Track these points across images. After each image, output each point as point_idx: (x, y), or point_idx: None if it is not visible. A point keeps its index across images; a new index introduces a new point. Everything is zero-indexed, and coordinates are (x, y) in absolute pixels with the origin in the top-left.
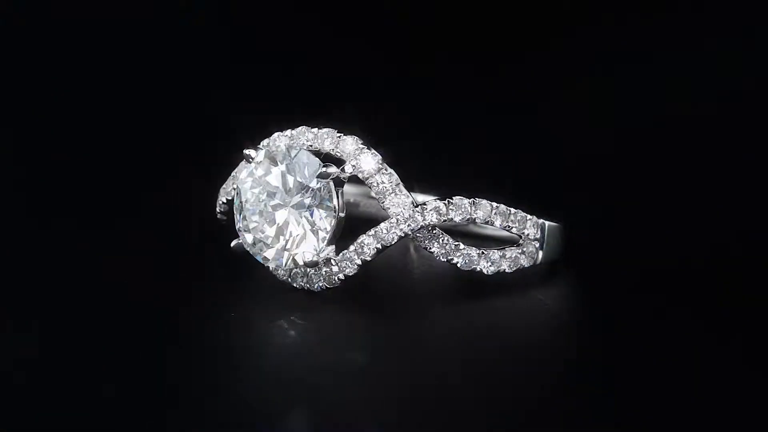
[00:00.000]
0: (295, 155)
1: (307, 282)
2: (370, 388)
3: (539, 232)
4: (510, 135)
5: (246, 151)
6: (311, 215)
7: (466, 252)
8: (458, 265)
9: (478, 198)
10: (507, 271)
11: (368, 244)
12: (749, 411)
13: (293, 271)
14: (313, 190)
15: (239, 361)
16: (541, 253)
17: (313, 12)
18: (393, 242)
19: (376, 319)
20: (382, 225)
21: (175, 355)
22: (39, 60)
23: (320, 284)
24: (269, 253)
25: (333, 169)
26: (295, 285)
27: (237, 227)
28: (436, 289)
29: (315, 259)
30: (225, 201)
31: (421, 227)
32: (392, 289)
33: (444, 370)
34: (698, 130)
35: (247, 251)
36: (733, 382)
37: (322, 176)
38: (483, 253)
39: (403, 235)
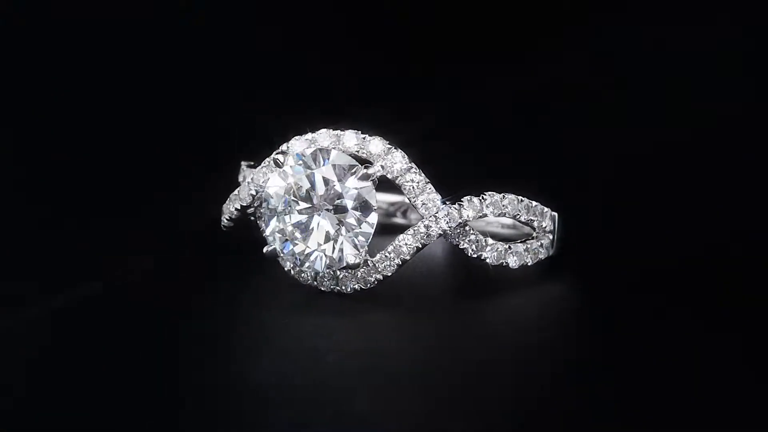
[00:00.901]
0: (330, 157)
1: (336, 284)
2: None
3: (552, 223)
4: (510, 134)
5: (276, 156)
6: (349, 217)
7: (495, 247)
8: (488, 260)
9: (505, 193)
10: (529, 264)
11: (408, 243)
12: (749, 411)
13: (320, 274)
14: (350, 191)
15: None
16: (553, 245)
17: (322, 11)
18: (432, 240)
19: (375, 317)
20: (421, 224)
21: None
22: (38, 61)
23: (354, 286)
24: (295, 256)
25: (372, 170)
26: (322, 288)
27: (267, 233)
28: (436, 288)
29: (358, 260)
30: (238, 208)
31: (458, 223)
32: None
33: (444, 369)
34: (698, 131)
35: (279, 256)
36: (734, 382)
37: (363, 177)
38: (509, 247)
39: (441, 232)
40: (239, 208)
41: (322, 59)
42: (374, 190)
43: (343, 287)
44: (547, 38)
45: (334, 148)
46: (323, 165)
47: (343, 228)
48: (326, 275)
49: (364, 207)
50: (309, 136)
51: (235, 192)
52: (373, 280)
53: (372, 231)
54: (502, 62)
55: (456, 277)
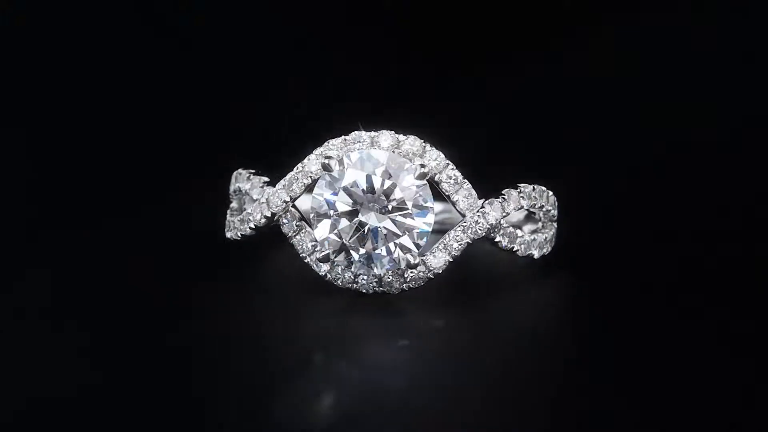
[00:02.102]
0: (386, 158)
1: (379, 286)
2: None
3: (556, 210)
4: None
5: (325, 161)
6: (407, 217)
7: (523, 239)
8: (518, 252)
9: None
10: (546, 253)
11: (459, 239)
12: (749, 410)
13: (360, 276)
14: (407, 190)
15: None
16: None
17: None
18: (482, 234)
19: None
20: (469, 219)
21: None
22: (38, 62)
23: (403, 286)
24: (351, 259)
25: (428, 168)
26: (364, 291)
27: (318, 238)
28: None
29: (418, 261)
30: (268, 216)
31: (503, 216)
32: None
33: (446, 369)
34: (698, 131)
35: (331, 261)
36: (733, 382)
37: (420, 176)
38: (534, 239)
39: (490, 226)
40: (269, 216)
41: (347, 59)
42: (429, 189)
43: (389, 288)
44: (554, 38)
45: (373, 147)
46: (377, 166)
47: (401, 228)
48: (369, 277)
49: (421, 206)
50: (342, 138)
51: (261, 200)
52: (424, 279)
53: (429, 230)
54: (500, 62)
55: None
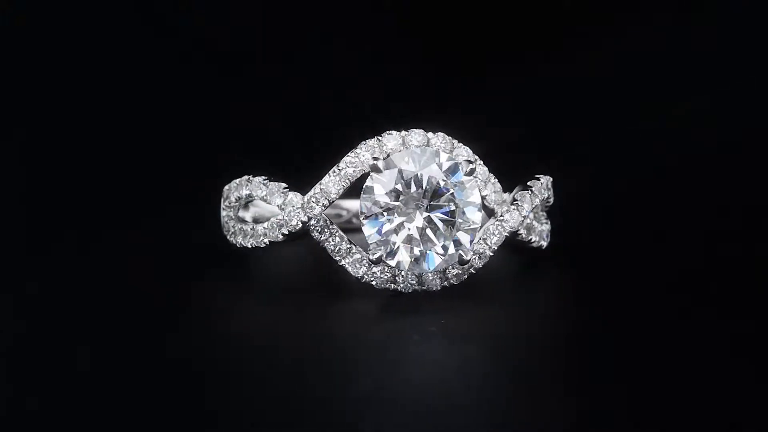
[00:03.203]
0: (438, 157)
1: (419, 284)
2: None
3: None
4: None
5: (373, 162)
6: (459, 215)
7: (539, 230)
8: (533, 244)
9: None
10: (545, 245)
11: (498, 233)
12: (749, 410)
13: (397, 275)
14: (457, 187)
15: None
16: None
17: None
18: (516, 228)
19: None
20: (505, 213)
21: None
22: (38, 64)
23: (444, 283)
24: (403, 259)
25: (475, 164)
26: (403, 291)
27: (369, 240)
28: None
29: (470, 257)
30: (305, 221)
31: (534, 208)
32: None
33: (446, 369)
34: (698, 131)
35: (385, 262)
36: (733, 382)
37: (468, 173)
38: (543, 229)
39: (523, 218)
40: (305, 220)
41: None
42: (475, 184)
43: (430, 286)
44: (555, 39)
45: (404, 147)
46: (426, 165)
47: (454, 225)
48: (409, 276)
49: (470, 203)
50: (382, 138)
51: (294, 205)
52: (466, 274)
53: (478, 226)
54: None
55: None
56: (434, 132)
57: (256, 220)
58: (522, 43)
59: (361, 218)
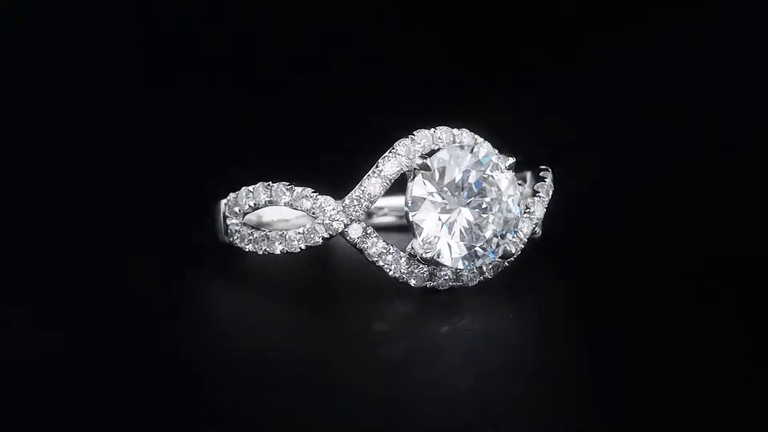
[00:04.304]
0: (481, 152)
1: (455, 281)
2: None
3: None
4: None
5: (420, 162)
6: (503, 209)
7: (540, 222)
8: (535, 236)
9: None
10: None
11: (527, 225)
12: (749, 410)
13: (435, 273)
14: (502, 182)
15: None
16: None
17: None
18: (540, 219)
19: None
20: (531, 206)
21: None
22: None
23: (480, 278)
24: (455, 255)
25: (511, 161)
26: (440, 288)
27: (424, 240)
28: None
29: (517, 249)
30: (347, 223)
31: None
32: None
33: (449, 370)
34: (699, 132)
35: (436, 260)
36: (733, 382)
37: (509, 168)
38: (539, 217)
39: (545, 209)
40: (348, 223)
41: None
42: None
43: (467, 281)
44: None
45: (434, 144)
46: (468, 161)
47: (502, 221)
48: (447, 272)
49: (510, 196)
50: (415, 135)
51: (336, 209)
52: (500, 268)
53: (518, 219)
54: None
55: None
56: (458, 128)
57: (258, 226)
58: (522, 43)
59: (410, 216)
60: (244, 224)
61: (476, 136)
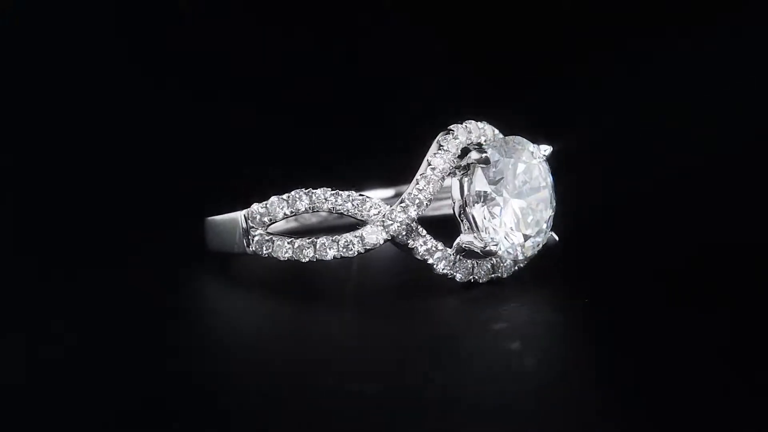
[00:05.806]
0: (514, 144)
1: (493, 272)
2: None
3: None
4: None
5: (478, 155)
6: (551, 197)
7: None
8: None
9: None
10: None
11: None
12: (749, 410)
13: (474, 266)
14: (542, 174)
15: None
16: None
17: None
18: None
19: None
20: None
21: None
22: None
23: (513, 269)
24: (509, 246)
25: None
26: (481, 281)
27: (501, 234)
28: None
29: (556, 239)
30: (408, 223)
31: None
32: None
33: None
34: (699, 132)
35: (494, 251)
36: (733, 382)
37: (545, 159)
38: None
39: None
40: (409, 222)
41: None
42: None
43: (503, 272)
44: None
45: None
46: (521, 154)
47: (543, 209)
48: (485, 265)
49: (548, 185)
50: (454, 130)
51: (395, 209)
52: (530, 258)
53: (555, 207)
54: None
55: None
56: (480, 122)
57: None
58: (522, 43)
59: (469, 209)
60: (269, 233)
61: (495, 129)
